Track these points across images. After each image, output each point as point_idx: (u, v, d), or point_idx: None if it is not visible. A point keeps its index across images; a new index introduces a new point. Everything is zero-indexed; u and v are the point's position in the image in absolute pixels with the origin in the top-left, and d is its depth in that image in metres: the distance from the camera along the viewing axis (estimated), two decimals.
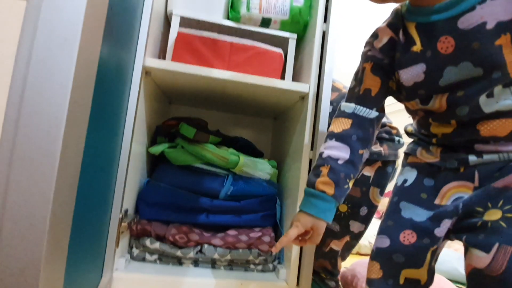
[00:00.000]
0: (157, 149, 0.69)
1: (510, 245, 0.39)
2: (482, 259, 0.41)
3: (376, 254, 0.49)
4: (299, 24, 0.72)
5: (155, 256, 0.65)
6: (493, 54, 0.38)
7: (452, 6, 0.41)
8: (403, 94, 0.48)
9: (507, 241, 0.40)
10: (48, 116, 0.16)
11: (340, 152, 0.47)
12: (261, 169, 0.71)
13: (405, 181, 0.51)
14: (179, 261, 0.65)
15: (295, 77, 0.76)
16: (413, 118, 0.54)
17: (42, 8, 0.20)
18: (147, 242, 0.64)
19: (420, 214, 0.47)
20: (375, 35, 0.50)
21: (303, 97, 0.69)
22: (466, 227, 0.43)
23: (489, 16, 0.38)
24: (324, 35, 0.66)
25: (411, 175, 0.51)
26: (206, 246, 0.65)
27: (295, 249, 0.63)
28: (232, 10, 0.71)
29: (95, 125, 0.29)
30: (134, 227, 0.65)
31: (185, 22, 0.71)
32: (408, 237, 0.46)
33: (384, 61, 0.48)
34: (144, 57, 0.59)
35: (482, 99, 0.40)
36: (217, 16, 0.72)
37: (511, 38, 0.37)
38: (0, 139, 0.16)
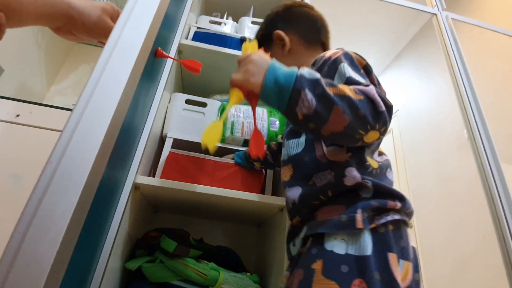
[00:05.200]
0: (134, 265, 0.66)
1: None
2: None
3: None
4: None
5: None
6: None
7: None
8: None
9: None
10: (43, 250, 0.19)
11: None
12: (242, 286, 0.68)
13: None
14: None
15: (275, 190, 0.83)
16: None
17: (73, 136, 0.26)
18: None
19: None
20: None
21: (282, 209, 0.73)
22: None
23: None
24: None
25: None
26: None
27: None
28: None
29: (81, 241, 0.31)
30: None
31: (177, 142, 0.81)
32: None
33: None
34: (136, 174, 0.66)
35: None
36: None
37: None
38: None
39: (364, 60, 0.53)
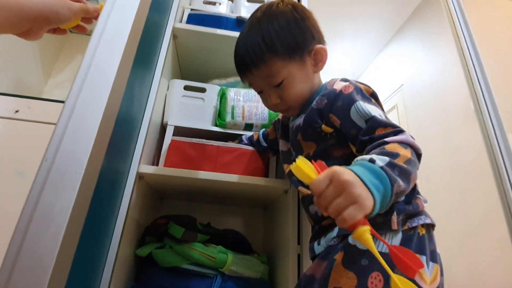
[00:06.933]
0: (144, 251, 0.68)
1: None
2: None
3: None
4: None
5: None
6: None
7: None
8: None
9: None
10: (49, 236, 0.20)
11: None
12: (250, 267, 0.69)
13: None
14: None
15: (279, 173, 0.83)
16: None
17: (67, 131, 0.25)
18: None
19: None
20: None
21: (286, 191, 0.73)
22: None
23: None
24: None
25: None
26: None
27: None
28: (219, 118, 0.83)
29: (86, 233, 0.32)
30: None
31: (178, 129, 0.81)
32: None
33: None
34: (139, 164, 0.66)
35: None
36: (207, 124, 0.83)
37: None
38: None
39: (371, 88, 0.54)
